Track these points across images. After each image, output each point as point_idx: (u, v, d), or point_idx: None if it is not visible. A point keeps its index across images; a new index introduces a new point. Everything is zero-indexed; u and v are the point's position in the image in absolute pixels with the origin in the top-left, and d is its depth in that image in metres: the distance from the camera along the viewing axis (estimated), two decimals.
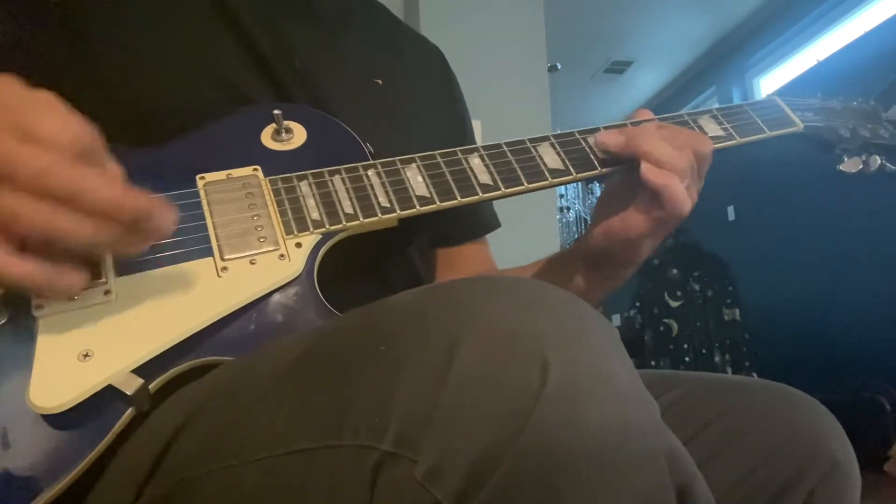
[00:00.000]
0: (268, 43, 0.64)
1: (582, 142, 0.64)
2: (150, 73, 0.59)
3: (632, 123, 0.65)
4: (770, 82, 4.44)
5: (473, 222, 0.83)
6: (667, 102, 5.24)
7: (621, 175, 0.63)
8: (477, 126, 2.03)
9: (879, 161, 0.76)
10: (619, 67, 4.84)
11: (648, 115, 0.67)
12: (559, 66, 3.22)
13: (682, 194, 0.57)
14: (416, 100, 0.76)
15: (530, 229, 1.95)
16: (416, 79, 0.79)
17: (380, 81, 0.72)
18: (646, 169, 0.57)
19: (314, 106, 0.64)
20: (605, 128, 0.66)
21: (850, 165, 0.76)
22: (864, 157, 0.76)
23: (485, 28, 2.26)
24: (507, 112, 2.17)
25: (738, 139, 0.69)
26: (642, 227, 0.59)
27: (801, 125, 0.73)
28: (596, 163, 0.63)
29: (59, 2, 0.60)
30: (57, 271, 0.41)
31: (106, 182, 0.40)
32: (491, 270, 0.83)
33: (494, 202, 0.64)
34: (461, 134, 0.83)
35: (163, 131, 0.57)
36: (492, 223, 0.85)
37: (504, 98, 2.20)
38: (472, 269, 0.81)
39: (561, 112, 4.04)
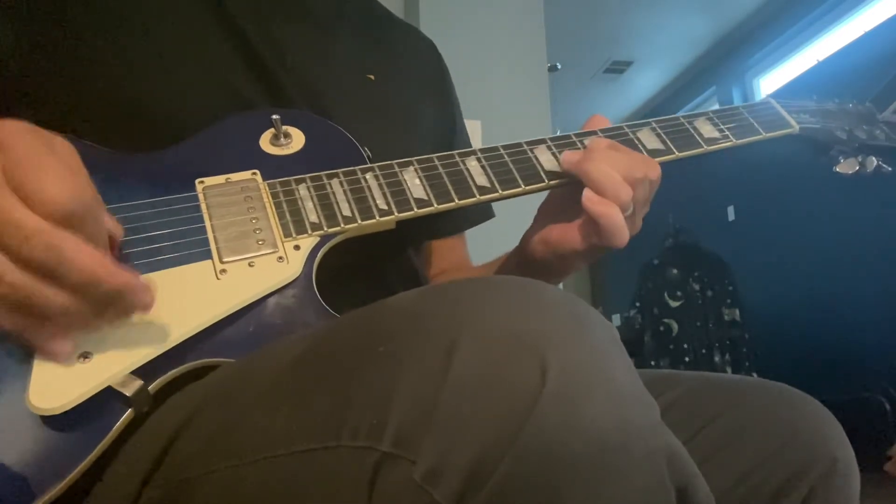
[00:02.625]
0: (261, 43, 0.64)
1: (578, 144, 0.64)
2: (149, 78, 0.60)
3: (576, 135, 0.65)
4: (770, 82, 4.44)
5: (458, 216, 0.82)
6: (666, 102, 5.24)
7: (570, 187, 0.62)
8: (477, 126, 2.04)
9: (876, 162, 0.76)
10: (619, 67, 4.84)
11: (603, 121, 0.67)
12: (559, 66, 3.22)
13: (620, 226, 0.56)
14: (408, 93, 0.77)
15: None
16: (409, 72, 0.79)
17: (372, 77, 0.72)
18: (587, 197, 0.56)
19: (308, 104, 0.64)
20: (602, 130, 0.66)
21: (846, 167, 0.76)
22: (860, 159, 0.76)
23: (485, 28, 2.26)
24: (507, 112, 2.17)
25: (735, 141, 0.69)
26: (578, 246, 0.59)
27: (797, 127, 0.74)
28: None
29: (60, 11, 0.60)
30: (42, 334, 0.41)
31: (88, 255, 0.39)
32: (463, 264, 0.84)
33: (493, 205, 0.65)
34: (452, 124, 0.83)
35: (163, 135, 0.57)
36: (479, 216, 0.84)
37: (504, 98, 2.20)
38: (444, 263, 0.82)
39: (561, 112, 4.04)
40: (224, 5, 0.64)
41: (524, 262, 0.65)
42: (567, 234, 0.60)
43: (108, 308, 0.42)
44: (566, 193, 0.62)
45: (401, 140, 0.60)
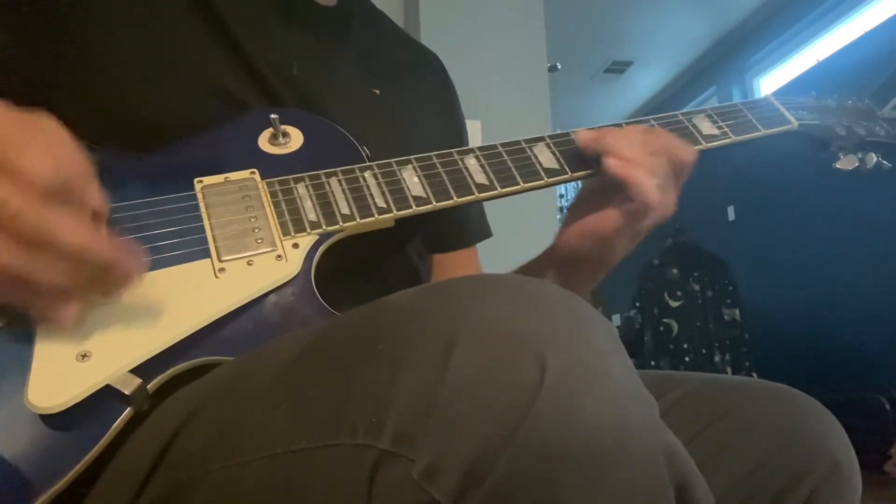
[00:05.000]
0: (262, 52, 0.64)
1: (617, 127, 0.64)
2: (147, 85, 0.60)
3: (575, 133, 0.66)
4: (770, 82, 4.44)
5: (467, 230, 0.83)
6: (667, 102, 5.24)
7: (598, 179, 0.64)
8: (476, 126, 2.04)
9: (876, 158, 0.76)
10: (619, 67, 4.84)
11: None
12: (559, 66, 3.22)
13: (647, 183, 0.58)
14: (413, 109, 0.77)
15: (530, 230, 1.95)
16: (414, 88, 0.79)
17: (377, 91, 0.72)
18: (610, 162, 0.59)
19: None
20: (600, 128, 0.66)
21: (846, 163, 0.76)
22: (860, 155, 0.77)
23: (485, 28, 2.26)
24: (507, 112, 2.17)
25: (734, 138, 0.69)
26: (616, 222, 0.61)
27: (796, 123, 0.74)
28: (592, 162, 0.63)
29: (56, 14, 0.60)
30: (43, 303, 0.41)
31: (77, 226, 0.40)
32: None
33: (495, 203, 0.65)
34: (458, 142, 0.83)
35: (161, 140, 0.57)
36: (482, 232, 0.86)
37: (504, 98, 2.20)
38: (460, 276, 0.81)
39: (561, 112, 4.04)
40: (223, 17, 0.64)
41: (564, 262, 0.66)
42: (602, 216, 0.61)
43: (100, 279, 0.42)
44: (596, 187, 0.64)
45: (402, 152, 0.60)
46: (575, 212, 0.65)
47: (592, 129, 0.64)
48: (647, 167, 0.59)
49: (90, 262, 0.40)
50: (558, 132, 0.65)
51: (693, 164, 0.63)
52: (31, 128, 0.41)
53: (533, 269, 0.70)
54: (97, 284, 0.42)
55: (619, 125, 0.68)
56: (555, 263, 0.67)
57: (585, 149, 0.63)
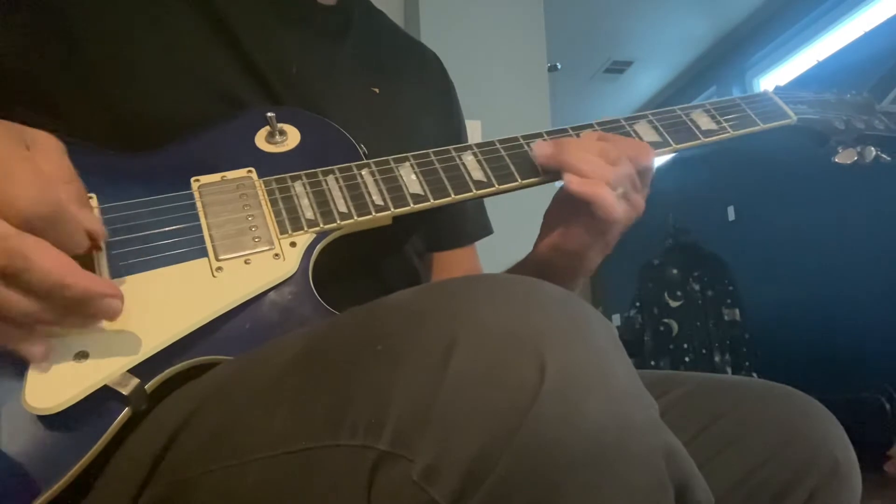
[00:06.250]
0: (262, 52, 0.64)
1: (574, 137, 0.64)
2: (148, 85, 0.60)
3: (573, 129, 0.65)
4: (770, 82, 4.42)
5: (463, 229, 0.83)
6: (667, 102, 5.19)
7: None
8: (476, 126, 2.04)
9: (875, 152, 0.76)
10: (619, 67, 4.84)
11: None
12: (559, 66, 3.21)
13: (610, 200, 0.56)
14: (412, 108, 0.77)
15: (530, 230, 1.95)
16: (414, 87, 0.79)
17: (377, 90, 0.72)
18: (569, 180, 0.57)
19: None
20: (598, 123, 0.66)
21: (845, 157, 0.76)
22: (859, 149, 0.76)
23: (485, 28, 2.27)
24: (507, 112, 2.17)
25: (732, 132, 0.69)
26: (583, 239, 0.60)
27: (795, 117, 0.73)
28: None
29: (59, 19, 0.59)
30: (13, 337, 0.40)
31: (52, 259, 0.39)
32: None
33: (495, 202, 0.65)
34: (457, 142, 0.83)
35: (162, 140, 0.57)
36: (481, 231, 0.86)
37: (504, 98, 2.20)
38: (458, 275, 0.81)
39: (561, 112, 4.04)
40: (223, 17, 0.64)
41: (539, 270, 0.65)
42: (569, 233, 0.61)
43: (73, 313, 0.41)
44: (563, 198, 0.63)
45: (401, 151, 0.60)
46: (549, 219, 0.65)
47: (549, 140, 0.62)
48: (608, 180, 0.57)
49: (65, 296, 0.39)
50: (556, 129, 0.65)
51: (653, 164, 0.61)
52: (19, 153, 0.40)
53: (519, 271, 0.70)
54: (72, 317, 0.41)
55: (617, 120, 0.67)
56: (533, 271, 0.67)
57: (544, 166, 0.61)
